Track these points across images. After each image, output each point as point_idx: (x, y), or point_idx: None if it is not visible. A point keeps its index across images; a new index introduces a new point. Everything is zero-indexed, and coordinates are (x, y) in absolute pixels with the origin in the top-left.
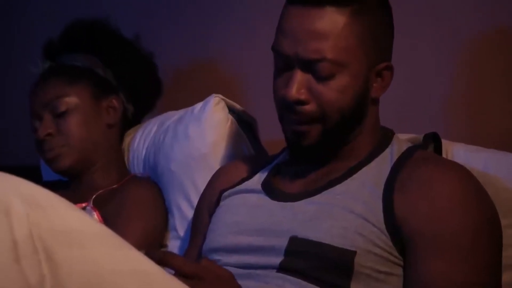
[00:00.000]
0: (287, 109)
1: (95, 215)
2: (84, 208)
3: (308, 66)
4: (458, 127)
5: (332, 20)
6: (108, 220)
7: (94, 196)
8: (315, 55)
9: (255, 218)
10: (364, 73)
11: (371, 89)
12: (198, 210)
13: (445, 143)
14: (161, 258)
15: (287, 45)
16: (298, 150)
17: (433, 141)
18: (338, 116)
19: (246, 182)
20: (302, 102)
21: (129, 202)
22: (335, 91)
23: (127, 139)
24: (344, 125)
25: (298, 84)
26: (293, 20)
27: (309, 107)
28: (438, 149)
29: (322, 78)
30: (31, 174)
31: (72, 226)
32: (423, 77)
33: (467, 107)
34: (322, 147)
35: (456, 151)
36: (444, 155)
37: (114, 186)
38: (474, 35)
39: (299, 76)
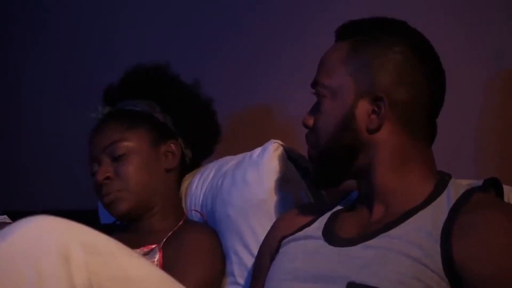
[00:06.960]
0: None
1: (158, 256)
2: (152, 250)
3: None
4: None
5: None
6: (166, 263)
7: (164, 239)
8: (313, 80)
9: (312, 265)
10: (352, 100)
11: (366, 119)
12: (259, 256)
13: (506, 189)
14: None
15: None
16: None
17: (493, 187)
18: (325, 141)
19: (306, 229)
20: (306, 127)
21: (188, 248)
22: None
23: (185, 184)
24: (336, 151)
25: (310, 111)
26: None
27: (308, 133)
28: (499, 196)
29: (317, 103)
30: (89, 218)
31: (131, 273)
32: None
33: None
34: (326, 173)
35: None
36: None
37: (174, 230)
38: None
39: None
